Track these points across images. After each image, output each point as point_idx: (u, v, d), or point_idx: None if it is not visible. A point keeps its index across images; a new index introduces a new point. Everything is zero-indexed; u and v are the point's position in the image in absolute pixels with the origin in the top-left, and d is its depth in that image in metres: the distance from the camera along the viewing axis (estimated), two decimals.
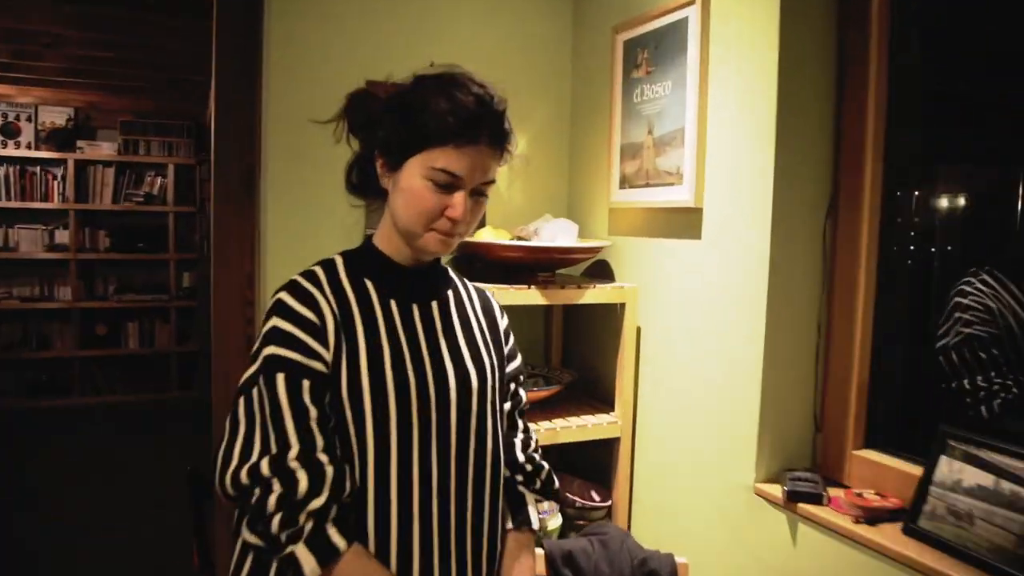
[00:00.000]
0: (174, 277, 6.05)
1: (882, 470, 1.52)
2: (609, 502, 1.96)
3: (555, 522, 1.86)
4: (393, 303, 1.15)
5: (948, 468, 1.35)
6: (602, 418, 1.94)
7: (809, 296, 1.62)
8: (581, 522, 1.91)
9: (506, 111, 1.11)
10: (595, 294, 1.89)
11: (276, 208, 1.98)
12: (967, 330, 1.50)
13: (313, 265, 1.16)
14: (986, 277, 1.50)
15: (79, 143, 5.71)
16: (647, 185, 1.92)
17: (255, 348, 1.09)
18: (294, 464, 1.01)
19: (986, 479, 1.28)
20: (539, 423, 1.86)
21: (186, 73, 4.60)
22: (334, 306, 1.10)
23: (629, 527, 1.97)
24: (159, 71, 4.65)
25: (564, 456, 2.25)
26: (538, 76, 2.27)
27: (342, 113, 1.20)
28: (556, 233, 1.97)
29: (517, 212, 2.22)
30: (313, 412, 1.04)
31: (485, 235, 1.94)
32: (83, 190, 5.72)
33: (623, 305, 1.92)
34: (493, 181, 1.12)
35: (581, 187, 2.26)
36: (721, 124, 1.69)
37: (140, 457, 4.58)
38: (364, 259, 1.18)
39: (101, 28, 3.75)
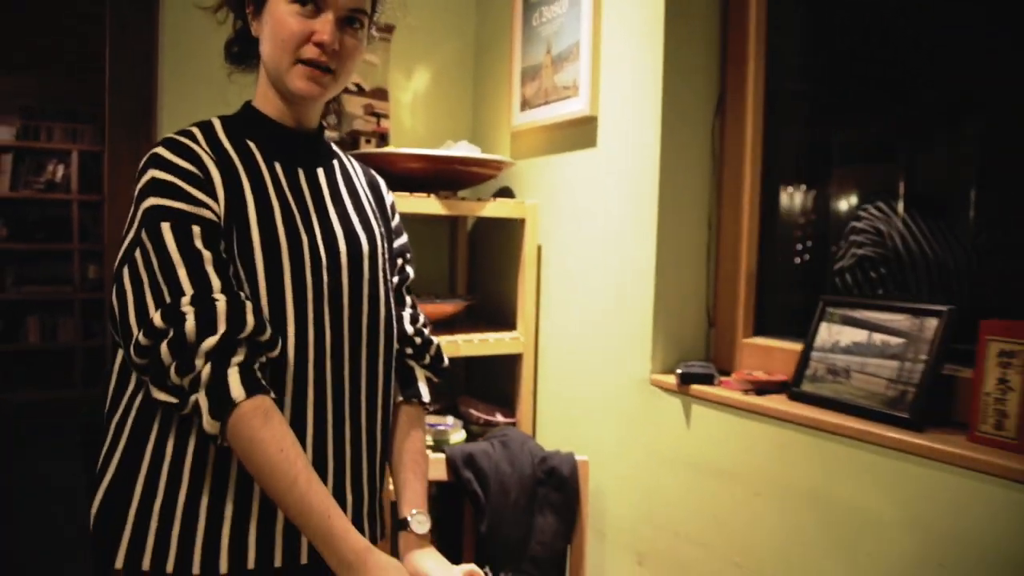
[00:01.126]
0: (79, 269, 5.80)
1: (771, 352, 1.56)
2: (514, 420, 1.96)
3: (458, 436, 1.85)
4: (277, 165, 1.11)
5: (828, 333, 1.40)
6: (504, 335, 1.93)
7: (699, 193, 1.66)
8: (484, 437, 1.90)
9: None
10: (496, 207, 1.89)
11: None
12: (860, 251, 1.58)
13: (187, 126, 1.10)
14: (880, 204, 1.59)
15: None
16: (546, 103, 1.94)
17: (130, 213, 1.01)
18: (186, 308, 0.93)
19: (860, 335, 1.33)
20: (441, 337, 1.85)
21: (70, 47, 4.43)
22: (216, 162, 1.04)
23: (534, 438, 1.96)
24: (59, 48, 4.48)
25: (469, 382, 2.24)
26: (444, 11, 2.27)
27: None
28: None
29: (422, 141, 2.21)
30: (207, 255, 0.97)
31: (388, 149, 1.92)
32: None
33: (523, 222, 1.93)
34: (364, 11, 1.09)
35: (485, 114, 2.27)
36: (614, 33, 1.73)
37: (29, 466, 4.32)
38: (244, 120, 1.13)
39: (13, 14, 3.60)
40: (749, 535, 1.41)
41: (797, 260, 1.74)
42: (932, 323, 1.23)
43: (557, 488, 1.63)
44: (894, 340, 1.27)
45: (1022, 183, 1.36)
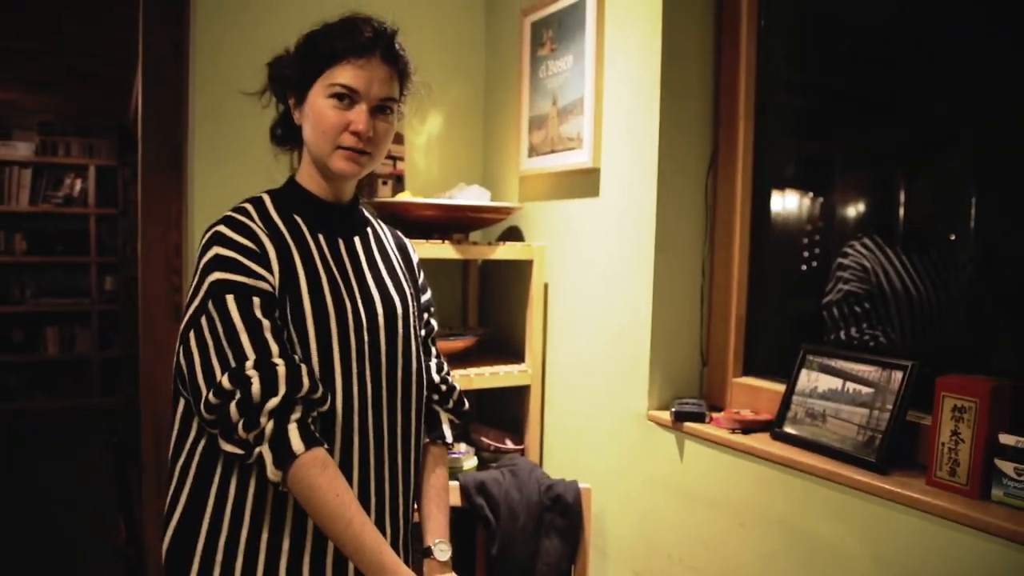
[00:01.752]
0: (96, 281, 5.96)
1: (758, 392, 1.71)
2: (522, 446, 2.10)
3: (470, 463, 1.99)
4: (321, 236, 1.25)
5: (807, 379, 1.54)
6: (513, 368, 2.08)
7: (693, 243, 1.81)
8: (495, 465, 2.05)
9: (397, 35, 1.22)
10: (505, 250, 2.04)
11: (204, 177, 2.05)
12: (846, 287, 1.68)
13: (241, 203, 1.24)
14: (867, 240, 1.67)
15: None
16: (552, 152, 2.09)
17: (194, 283, 1.14)
18: (251, 372, 1.06)
19: (836, 383, 1.48)
20: (455, 371, 1.99)
21: (107, 68, 4.57)
22: (269, 236, 1.18)
23: (540, 465, 2.11)
24: (77, 64, 4.60)
25: (481, 410, 2.39)
26: (455, 59, 2.42)
27: (268, 82, 1.30)
28: (469, 198, 2.12)
29: (435, 183, 2.36)
30: (266, 324, 1.10)
31: (404, 197, 2.07)
32: None
33: (531, 263, 2.08)
34: (394, 99, 1.22)
35: (494, 158, 2.42)
36: (616, 91, 1.87)
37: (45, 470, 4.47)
38: (290, 196, 1.27)
39: (13, 15, 3.71)
40: (733, 561, 1.55)
41: (786, 302, 1.88)
42: (898, 375, 1.37)
43: (562, 514, 1.78)
44: (865, 389, 1.42)
45: (1006, 220, 1.46)
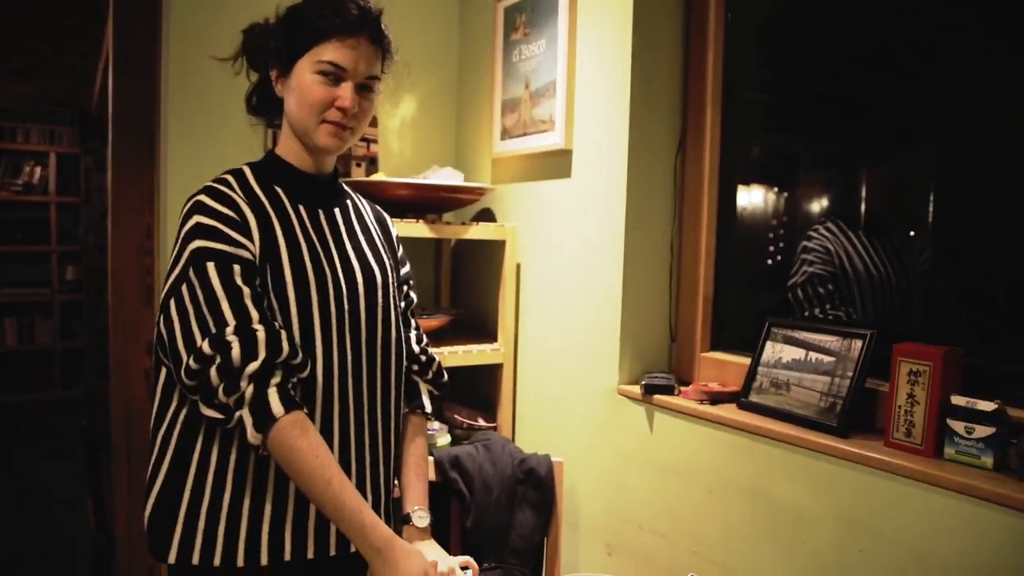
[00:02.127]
0: (56, 270, 5.85)
1: (725, 365, 1.77)
2: (495, 424, 2.14)
3: (444, 439, 2.02)
4: (302, 207, 1.27)
5: (772, 350, 1.60)
6: (486, 346, 2.12)
7: (663, 223, 1.86)
8: (468, 442, 2.08)
9: (382, 15, 1.25)
10: (478, 230, 2.07)
11: (177, 156, 2.04)
12: (810, 269, 1.74)
13: (221, 174, 1.26)
14: (830, 224, 1.73)
15: None
16: (524, 134, 2.12)
17: (175, 252, 1.15)
18: (231, 337, 1.08)
19: (799, 353, 1.54)
20: None
21: (71, 52, 4.49)
22: (250, 206, 1.19)
23: (513, 442, 2.15)
24: (39, 48, 4.52)
25: (453, 389, 2.41)
26: (428, 43, 2.44)
27: (241, 48, 1.30)
28: (443, 179, 2.15)
29: (409, 164, 2.38)
30: (247, 291, 1.12)
31: (378, 178, 2.09)
32: None
33: (504, 243, 2.11)
34: (377, 77, 1.25)
35: (468, 141, 2.45)
36: (587, 75, 1.91)
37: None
38: (270, 168, 1.28)
39: (13, 15, 3.64)
40: (703, 527, 1.61)
41: (751, 280, 1.94)
42: (857, 344, 1.43)
43: (535, 487, 1.82)
44: (826, 358, 1.48)
45: (966, 205, 1.53)
